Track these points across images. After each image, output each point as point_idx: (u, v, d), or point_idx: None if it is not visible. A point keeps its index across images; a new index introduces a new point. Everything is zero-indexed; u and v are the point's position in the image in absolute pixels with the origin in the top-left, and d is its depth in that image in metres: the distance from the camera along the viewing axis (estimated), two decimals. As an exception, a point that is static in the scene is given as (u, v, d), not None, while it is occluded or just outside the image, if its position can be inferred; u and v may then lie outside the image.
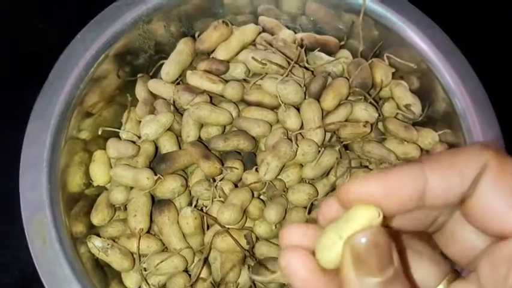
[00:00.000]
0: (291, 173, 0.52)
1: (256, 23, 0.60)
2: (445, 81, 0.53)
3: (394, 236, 0.22)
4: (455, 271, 0.25)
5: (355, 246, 0.20)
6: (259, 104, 0.55)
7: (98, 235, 0.52)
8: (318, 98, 0.54)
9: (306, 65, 0.58)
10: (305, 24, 0.62)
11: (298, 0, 0.59)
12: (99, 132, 0.54)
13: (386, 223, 0.22)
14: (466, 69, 0.53)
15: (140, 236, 0.50)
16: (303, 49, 0.57)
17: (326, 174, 0.54)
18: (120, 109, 0.58)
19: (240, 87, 0.55)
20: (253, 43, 0.59)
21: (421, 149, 0.55)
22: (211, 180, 0.52)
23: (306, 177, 0.53)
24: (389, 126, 0.55)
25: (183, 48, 0.58)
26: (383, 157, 0.53)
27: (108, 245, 0.49)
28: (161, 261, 0.48)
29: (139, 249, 0.50)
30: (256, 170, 0.52)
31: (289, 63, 0.55)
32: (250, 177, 0.51)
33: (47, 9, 0.72)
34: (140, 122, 0.55)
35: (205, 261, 0.51)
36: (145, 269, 0.49)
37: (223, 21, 0.58)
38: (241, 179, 0.52)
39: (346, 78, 0.56)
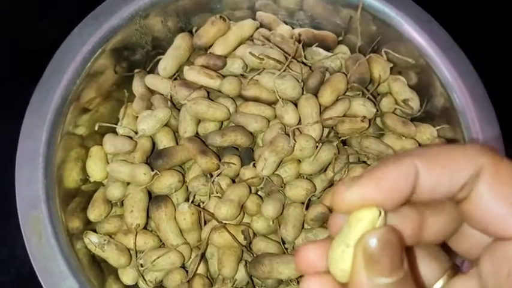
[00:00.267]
0: (288, 168, 0.52)
1: (254, 19, 0.60)
2: (444, 77, 0.53)
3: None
4: (455, 266, 0.25)
5: (367, 247, 0.20)
6: (256, 99, 0.55)
7: (95, 231, 0.51)
8: (315, 93, 0.54)
9: (304, 61, 0.58)
10: (303, 20, 0.61)
11: (295, -4, 0.59)
12: (96, 128, 0.54)
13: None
14: (465, 64, 0.53)
15: (137, 232, 0.50)
16: (301, 44, 0.57)
17: (324, 169, 0.54)
18: (117, 105, 0.58)
19: (237, 82, 0.54)
20: (250, 38, 0.59)
21: (419, 145, 0.55)
22: (208, 175, 0.52)
23: (303, 173, 0.53)
24: (387, 121, 0.55)
25: (180, 44, 0.57)
26: (381, 152, 0.53)
27: (105, 240, 0.49)
28: (158, 257, 0.48)
29: (136, 245, 0.49)
30: (254, 165, 0.51)
31: (286, 59, 0.54)
32: (247, 172, 0.51)
33: (45, 6, 0.72)
34: (137, 117, 0.55)
35: (202, 257, 0.50)
36: (142, 265, 0.49)
37: (220, 17, 0.57)
38: (238, 174, 0.52)
39: (344, 73, 0.56)
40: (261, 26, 0.60)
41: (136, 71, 0.58)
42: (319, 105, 0.53)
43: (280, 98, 0.53)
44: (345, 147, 0.55)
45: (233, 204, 0.48)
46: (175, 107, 0.56)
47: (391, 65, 0.57)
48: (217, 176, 0.51)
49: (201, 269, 0.50)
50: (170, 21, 0.58)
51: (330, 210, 0.49)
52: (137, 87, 0.57)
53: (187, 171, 0.54)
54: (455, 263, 0.25)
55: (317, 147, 0.51)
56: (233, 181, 0.52)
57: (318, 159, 0.52)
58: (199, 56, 0.56)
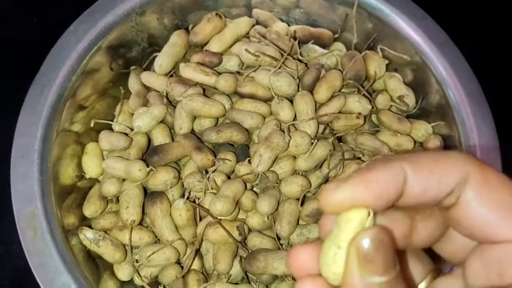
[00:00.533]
0: (284, 164, 0.52)
1: (250, 16, 0.60)
2: (439, 73, 0.53)
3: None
4: (438, 268, 0.26)
5: (360, 247, 0.20)
6: (252, 96, 0.55)
7: (90, 227, 0.51)
8: (311, 90, 0.54)
9: (300, 58, 0.58)
10: (299, 17, 0.61)
11: (292, -7, 0.59)
12: (92, 125, 0.54)
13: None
14: (460, 61, 0.53)
15: (132, 228, 0.50)
16: (297, 41, 0.57)
17: (319, 166, 0.54)
18: (113, 102, 0.58)
19: (233, 79, 0.55)
20: (246, 36, 0.59)
21: (415, 141, 0.55)
22: (203, 172, 0.52)
23: (299, 169, 0.53)
24: (382, 118, 0.55)
25: (176, 41, 0.57)
26: (376, 149, 0.53)
27: (100, 236, 0.49)
28: (153, 253, 0.48)
29: (131, 240, 0.49)
30: (249, 161, 0.52)
31: (282, 56, 0.54)
32: (242, 168, 0.51)
33: (42, 4, 0.72)
34: (133, 114, 0.55)
35: (197, 253, 0.50)
36: (137, 261, 0.49)
37: (216, 14, 0.58)
38: (234, 170, 0.52)
39: (340, 70, 0.56)
40: (257, 23, 0.60)
41: (132, 68, 0.58)
42: (314, 102, 0.53)
43: (275, 94, 0.53)
44: (340, 143, 0.56)
45: (228, 200, 0.48)
46: (171, 103, 0.56)
47: (387, 62, 0.57)
48: (212, 172, 0.51)
49: (196, 265, 0.50)
50: (166, 19, 0.58)
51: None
52: (133, 84, 0.57)
53: (183, 167, 0.54)
54: (437, 265, 0.26)
55: (312, 143, 0.51)
56: (228, 177, 0.52)
57: (313, 155, 0.52)
58: (195, 53, 0.56)
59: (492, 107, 0.51)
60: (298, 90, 0.54)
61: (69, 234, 0.48)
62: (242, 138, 0.53)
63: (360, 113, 0.54)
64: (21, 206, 0.46)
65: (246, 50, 0.55)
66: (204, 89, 0.55)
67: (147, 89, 0.57)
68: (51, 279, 0.44)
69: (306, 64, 0.58)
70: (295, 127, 0.53)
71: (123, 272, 0.51)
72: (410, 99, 0.56)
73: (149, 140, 0.55)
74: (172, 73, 0.58)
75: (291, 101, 0.54)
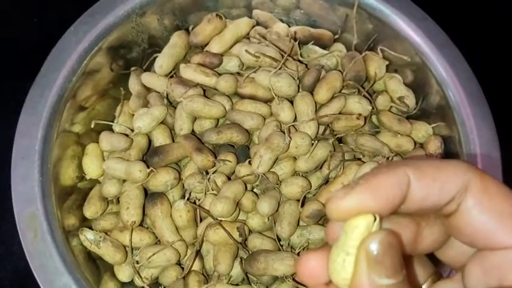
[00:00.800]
0: (284, 165, 0.52)
1: (250, 17, 0.60)
2: (439, 74, 0.53)
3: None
4: (438, 272, 0.26)
5: (369, 250, 0.21)
6: (252, 97, 0.55)
7: (91, 228, 0.51)
8: (311, 91, 0.54)
9: (300, 59, 0.58)
10: (299, 18, 0.61)
11: (292, -6, 0.59)
12: (92, 126, 0.54)
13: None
14: (460, 62, 0.53)
15: (132, 229, 0.50)
16: (297, 42, 0.57)
17: (319, 167, 0.54)
18: (113, 102, 0.58)
19: (233, 80, 0.55)
20: (247, 36, 0.59)
21: (415, 142, 0.55)
22: (204, 173, 0.52)
23: (299, 170, 0.53)
24: (383, 119, 0.55)
25: (176, 42, 0.57)
26: (376, 150, 0.53)
27: (100, 237, 0.49)
28: (153, 254, 0.48)
29: (131, 242, 0.49)
30: (250, 162, 0.52)
31: (282, 57, 0.54)
32: (243, 169, 0.51)
33: (42, 4, 0.72)
34: (133, 115, 0.55)
35: (197, 254, 0.50)
36: (137, 262, 0.49)
37: (217, 15, 0.58)
38: (234, 172, 0.52)
39: (340, 71, 0.56)
40: (258, 24, 0.60)
41: (132, 68, 0.58)
42: (314, 103, 0.53)
43: (276, 95, 0.53)
44: (341, 144, 0.56)
45: (228, 201, 0.48)
46: (172, 104, 0.56)
47: (387, 62, 0.57)
48: (212, 173, 0.51)
49: (196, 266, 0.50)
50: (166, 19, 0.58)
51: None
52: (133, 85, 0.57)
53: (183, 168, 0.54)
54: (437, 269, 0.27)
55: (312, 144, 0.51)
56: (229, 178, 0.52)
57: (313, 156, 0.52)
58: (196, 54, 0.56)
59: (492, 107, 0.51)
60: (298, 91, 0.54)
61: (69, 235, 0.48)
62: (242, 139, 0.53)
63: (360, 114, 0.54)
64: (22, 207, 0.46)
65: (246, 51, 0.55)
66: (204, 90, 0.55)
67: (148, 89, 0.57)
68: (51, 280, 0.44)
69: (306, 65, 0.58)
70: (295, 128, 0.53)
71: (124, 273, 0.51)
72: (410, 100, 0.56)
73: (149, 141, 0.55)
74: (173, 74, 0.58)
75: (291, 102, 0.54)
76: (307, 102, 0.53)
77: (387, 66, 0.58)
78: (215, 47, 0.57)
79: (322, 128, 0.54)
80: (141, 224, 0.52)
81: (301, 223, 0.52)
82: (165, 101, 0.56)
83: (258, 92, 0.55)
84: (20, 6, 0.72)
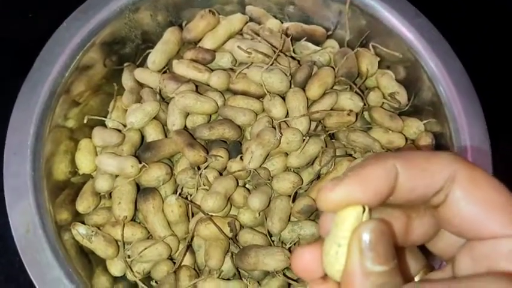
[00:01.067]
0: (275, 161, 0.52)
1: (244, 13, 0.60)
2: (430, 71, 0.53)
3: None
4: (430, 265, 0.27)
5: (362, 237, 0.21)
6: (245, 93, 0.55)
7: (83, 223, 0.52)
8: (303, 87, 0.54)
9: (293, 55, 0.58)
10: (292, 14, 0.61)
11: (285, -10, 0.59)
12: (85, 121, 0.54)
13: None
14: (451, 58, 0.53)
15: (124, 224, 0.50)
16: (290, 38, 0.57)
17: (311, 163, 0.54)
18: (106, 98, 0.58)
19: (225, 76, 0.55)
20: (240, 32, 0.59)
21: (406, 139, 0.55)
22: (196, 168, 0.52)
23: (290, 166, 0.53)
24: (374, 115, 0.55)
25: (169, 38, 0.58)
26: (368, 146, 0.53)
27: (93, 232, 0.49)
28: (145, 249, 0.49)
29: (123, 236, 0.50)
30: (241, 158, 0.52)
31: (275, 53, 0.55)
32: (234, 165, 0.51)
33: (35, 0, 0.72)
34: (126, 110, 0.55)
35: (188, 249, 0.51)
36: (129, 256, 0.50)
37: (210, 11, 0.58)
38: (226, 167, 0.53)
39: (332, 67, 0.56)
40: (251, 20, 0.60)
41: (125, 64, 0.59)
42: (306, 99, 0.54)
43: (267, 91, 0.53)
44: (332, 140, 0.56)
45: (220, 196, 0.49)
46: (164, 100, 0.57)
47: (379, 59, 0.58)
48: (204, 168, 0.51)
49: (188, 261, 0.51)
50: (160, 15, 0.58)
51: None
52: (126, 80, 0.58)
53: (176, 164, 0.54)
54: (429, 262, 0.27)
55: (304, 140, 0.52)
56: (220, 174, 0.53)
57: (305, 152, 0.52)
58: (189, 50, 0.56)
59: (483, 103, 0.51)
60: (290, 87, 0.54)
61: (61, 229, 0.48)
62: (234, 135, 0.53)
63: (351, 110, 0.54)
64: (14, 201, 0.46)
65: (238, 46, 0.55)
66: (196, 86, 0.55)
67: (141, 85, 0.58)
68: (43, 274, 0.45)
69: (298, 61, 0.58)
70: (287, 124, 0.53)
71: (116, 268, 0.51)
72: (402, 96, 0.56)
73: (142, 137, 0.55)
74: (166, 70, 0.58)
75: (283, 98, 0.54)
76: (299, 98, 0.53)
77: (379, 62, 0.58)
78: (208, 43, 0.57)
79: (314, 124, 0.55)
80: (133, 219, 0.52)
81: (292, 218, 0.52)
82: (158, 96, 0.56)
83: (250, 88, 0.55)
84: (14, 4, 0.72)
